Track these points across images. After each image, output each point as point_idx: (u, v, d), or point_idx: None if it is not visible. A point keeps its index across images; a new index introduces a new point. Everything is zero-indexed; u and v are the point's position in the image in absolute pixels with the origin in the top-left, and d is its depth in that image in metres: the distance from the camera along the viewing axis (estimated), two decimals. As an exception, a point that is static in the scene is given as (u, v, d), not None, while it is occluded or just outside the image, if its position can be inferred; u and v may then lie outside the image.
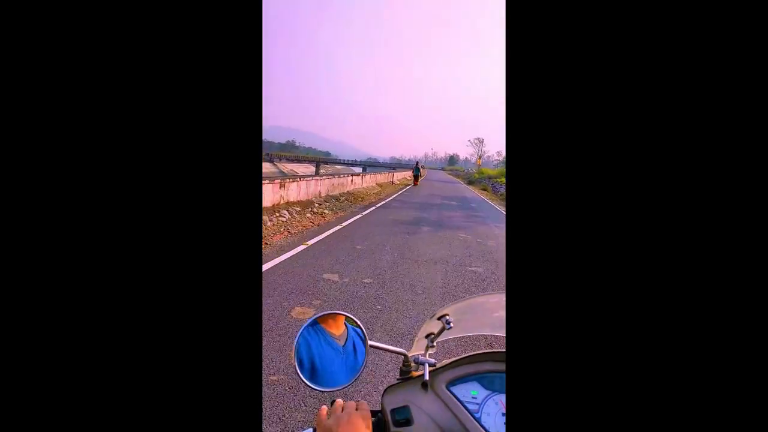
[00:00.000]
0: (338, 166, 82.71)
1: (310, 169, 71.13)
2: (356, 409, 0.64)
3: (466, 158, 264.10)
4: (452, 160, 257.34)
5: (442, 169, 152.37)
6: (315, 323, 0.73)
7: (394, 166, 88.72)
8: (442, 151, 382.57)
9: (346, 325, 0.75)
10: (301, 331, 0.72)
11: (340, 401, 0.67)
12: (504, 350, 0.78)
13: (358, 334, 0.75)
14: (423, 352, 0.86)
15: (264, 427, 1.92)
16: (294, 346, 0.70)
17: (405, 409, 0.70)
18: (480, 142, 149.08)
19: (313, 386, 0.68)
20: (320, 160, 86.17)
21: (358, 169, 73.24)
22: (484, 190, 28.46)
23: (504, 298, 0.65)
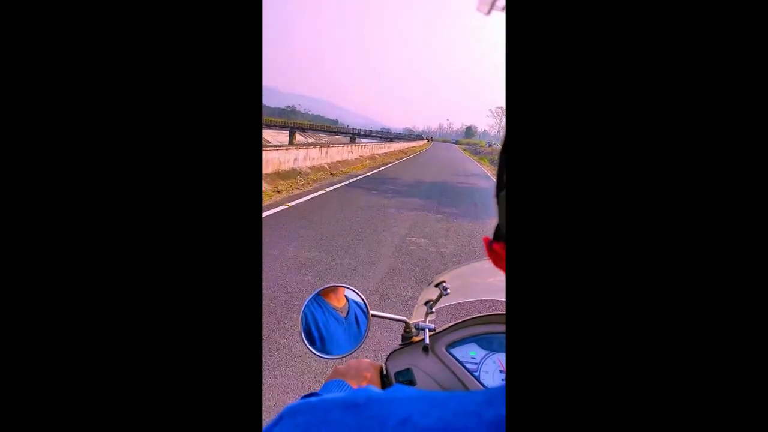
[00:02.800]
0: (338, 136, 64.00)
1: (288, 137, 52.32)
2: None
3: (485, 130, 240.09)
4: (469, 131, 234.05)
5: (456, 142, 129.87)
6: (318, 296, 0.78)
7: (404, 136, 69.97)
8: (459, 122, 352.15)
9: (347, 298, 0.80)
10: (305, 303, 0.77)
11: (352, 360, 0.74)
12: (499, 313, 0.87)
13: (359, 306, 0.80)
14: (423, 318, 0.89)
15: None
16: (300, 318, 0.76)
17: (408, 371, 0.76)
18: (503, 111, 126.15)
19: (318, 354, 0.74)
20: (296, 125, 66.42)
21: (346, 139, 55.22)
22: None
23: None
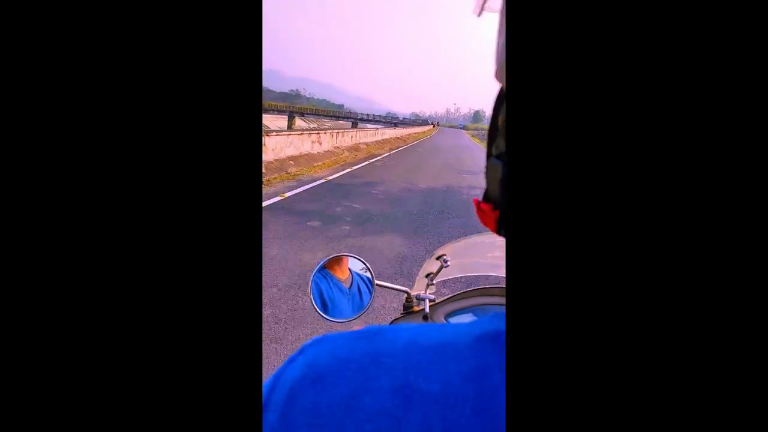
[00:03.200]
0: (341, 120, 60.43)
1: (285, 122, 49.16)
2: None
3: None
4: (477, 116, 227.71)
5: (464, 127, 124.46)
6: (323, 268, 0.83)
7: (410, 122, 65.47)
8: (466, 107, 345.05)
9: (350, 271, 0.85)
10: (313, 273, 0.83)
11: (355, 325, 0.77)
12: (494, 285, 0.92)
13: (362, 278, 0.84)
14: (424, 290, 0.94)
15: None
16: (310, 285, 0.82)
17: None
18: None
19: (325, 316, 0.80)
20: (296, 109, 62.21)
21: (348, 124, 51.42)
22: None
23: (497, 238, 0.96)
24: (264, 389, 0.27)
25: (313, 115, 62.80)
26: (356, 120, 59.97)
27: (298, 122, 58.05)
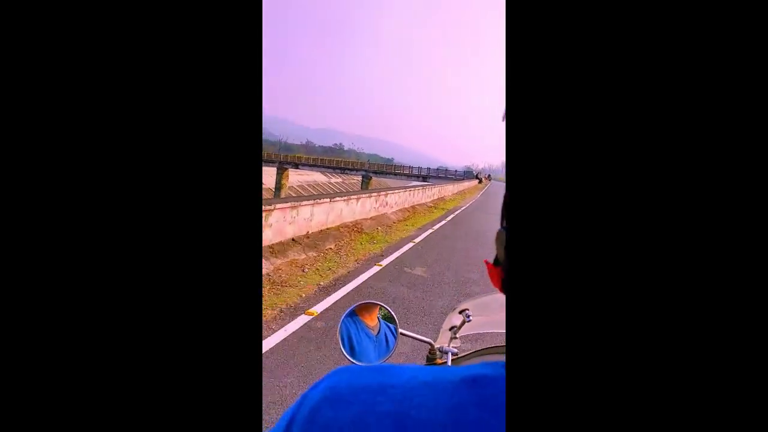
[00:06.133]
0: (355, 174, 43.69)
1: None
2: None
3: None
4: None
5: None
6: (353, 313, 0.86)
7: (458, 176, 46.77)
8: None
9: (378, 318, 0.87)
10: (343, 317, 0.85)
11: None
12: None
13: (389, 326, 0.86)
14: (447, 343, 0.95)
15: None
16: (338, 329, 0.84)
17: None
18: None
19: (351, 359, 0.82)
20: (286, 160, 45.86)
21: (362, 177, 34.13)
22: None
23: None
24: (292, 408, 0.29)
25: (310, 166, 46.25)
26: (368, 173, 42.04)
27: (296, 178, 41.02)
